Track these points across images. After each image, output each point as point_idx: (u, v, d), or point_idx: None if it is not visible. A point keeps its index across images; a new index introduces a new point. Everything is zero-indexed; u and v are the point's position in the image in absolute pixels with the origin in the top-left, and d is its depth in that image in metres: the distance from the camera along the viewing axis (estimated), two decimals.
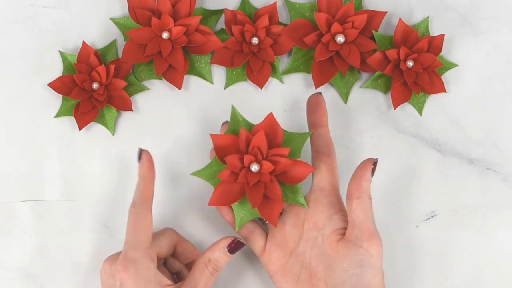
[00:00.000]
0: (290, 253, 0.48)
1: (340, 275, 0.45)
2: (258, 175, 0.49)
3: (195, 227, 0.54)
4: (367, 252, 0.45)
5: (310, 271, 0.47)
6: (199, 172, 0.50)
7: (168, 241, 0.49)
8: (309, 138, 0.50)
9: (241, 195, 0.49)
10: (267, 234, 0.50)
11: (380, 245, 0.46)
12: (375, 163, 0.47)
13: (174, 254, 0.51)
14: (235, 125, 0.50)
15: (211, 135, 0.49)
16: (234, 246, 0.48)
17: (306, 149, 0.52)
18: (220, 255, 0.48)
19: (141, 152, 0.49)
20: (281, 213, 0.50)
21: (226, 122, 0.51)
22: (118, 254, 0.47)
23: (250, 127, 0.50)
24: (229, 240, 0.48)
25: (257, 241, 0.50)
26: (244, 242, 0.49)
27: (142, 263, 0.46)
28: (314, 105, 0.50)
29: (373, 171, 0.46)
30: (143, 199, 0.48)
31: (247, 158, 0.48)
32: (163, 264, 0.51)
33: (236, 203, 0.50)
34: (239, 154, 0.49)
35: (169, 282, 0.47)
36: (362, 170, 0.46)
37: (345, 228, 0.47)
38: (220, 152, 0.49)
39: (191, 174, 0.50)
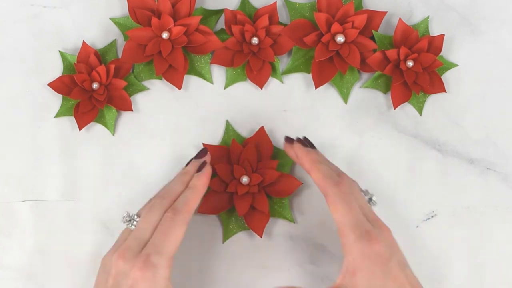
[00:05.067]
0: None
1: None
2: (247, 186, 0.51)
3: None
4: None
5: None
6: None
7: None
8: None
9: (229, 205, 0.52)
10: None
11: None
12: None
13: None
14: (228, 137, 0.54)
15: (204, 144, 0.53)
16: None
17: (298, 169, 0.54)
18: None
19: (204, 164, 0.49)
20: None
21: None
22: (129, 250, 0.45)
23: (242, 140, 0.54)
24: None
25: None
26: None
27: (161, 271, 0.44)
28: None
29: None
30: (187, 210, 0.46)
31: (237, 169, 0.51)
32: None
33: (225, 215, 0.52)
34: (230, 164, 0.52)
35: (170, 283, 0.45)
36: None
37: None
38: (212, 161, 0.52)
39: None
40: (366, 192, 0.48)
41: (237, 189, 0.51)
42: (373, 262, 0.44)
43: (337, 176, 0.47)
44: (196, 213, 0.53)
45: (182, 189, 0.48)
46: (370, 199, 0.48)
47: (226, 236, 0.53)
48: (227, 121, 0.54)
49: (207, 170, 0.49)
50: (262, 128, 0.53)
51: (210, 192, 0.52)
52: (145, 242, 0.45)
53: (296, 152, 0.49)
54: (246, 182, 0.51)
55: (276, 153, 0.54)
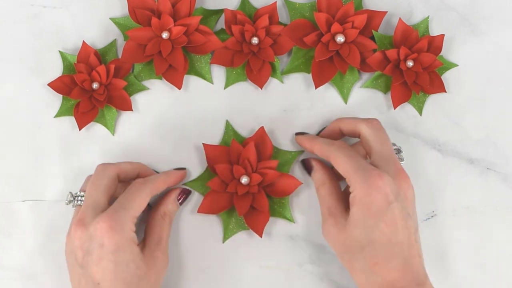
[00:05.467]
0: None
1: None
2: (247, 186, 0.51)
3: (186, 227, 0.54)
4: None
5: None
6: (191, 184, 0.53)
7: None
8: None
9: (229, 205, 0.52)
10: None
11: None
12: None
13: None
14: (228, 137, 0.54)
15: (204, 144, 0.53)
16: (184, 197, 0.52)
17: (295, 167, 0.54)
18: (172, 207, 0.51)
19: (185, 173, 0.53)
20: None
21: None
22: (85, 217, 0.45)
23: (242, 140, 0.54)
24: (178, 191, 0.52)
25: None
26: (190, 189, 0.52)
27: (127, 226, 0.45)
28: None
29: None
30: (156, 183, 0.49)
31: (237, 169, 0.51)
32: None
33: (225, 215, 0.52)
34: (230, 164, 0.52)
35: (137, 240, 0.47)
36: None
37: None
38: (212, 161, 0.53)
39: (184, 184, 0.53)
40: (393, 144, 0.51)
41: (237, 189, 0.51)
42: (372, 199, 0.44)
43: (332, 141, 0.50)
44: (196, 213, 0.53)
45: (129, 167, 0.51)
46: (399, 151, 0.51)
47: (226, 236, 0.53)
48: (227, 121, 0.54)
49: (183, 172, 0.53)
50: (262, 128, 0.53)
51: (210, 192, 0.52)
52: (100, 206, 0.46)
53: (299, 143, 0.53)
54: (246, 182, 0.51)
55: (276, 153, 0.54)
